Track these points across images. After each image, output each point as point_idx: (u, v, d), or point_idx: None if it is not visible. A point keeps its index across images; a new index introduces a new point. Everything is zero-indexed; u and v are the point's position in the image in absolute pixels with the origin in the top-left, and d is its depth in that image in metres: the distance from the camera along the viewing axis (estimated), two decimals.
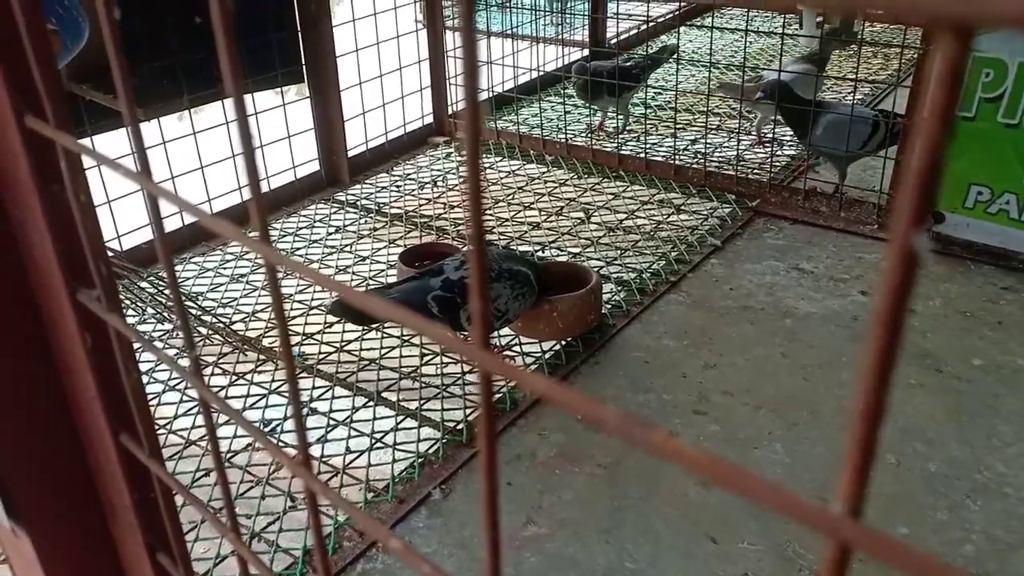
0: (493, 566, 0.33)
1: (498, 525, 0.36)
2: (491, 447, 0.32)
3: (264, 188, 3.03)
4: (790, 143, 3.51)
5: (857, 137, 2.85)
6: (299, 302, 2.52)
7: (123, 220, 2.64)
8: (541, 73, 3.99)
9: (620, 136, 3.65)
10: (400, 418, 2.03)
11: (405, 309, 0.34)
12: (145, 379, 2.18)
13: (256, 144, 0.39)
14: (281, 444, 1.97)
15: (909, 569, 0.22)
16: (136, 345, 0.62)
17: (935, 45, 0.17)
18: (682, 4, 5.07)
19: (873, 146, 2.88)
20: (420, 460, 1.90)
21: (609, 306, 2.44)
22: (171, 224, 2.81)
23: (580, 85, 3.52)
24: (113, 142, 2.65)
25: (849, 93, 3.98)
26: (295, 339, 2.34)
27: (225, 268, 2.74)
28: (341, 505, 0.43)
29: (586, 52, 4.47)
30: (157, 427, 2.01)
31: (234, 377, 2.19)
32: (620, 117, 3.68)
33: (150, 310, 2.36)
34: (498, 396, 2.08)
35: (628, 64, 3.57)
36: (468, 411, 2.05)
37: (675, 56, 3.62)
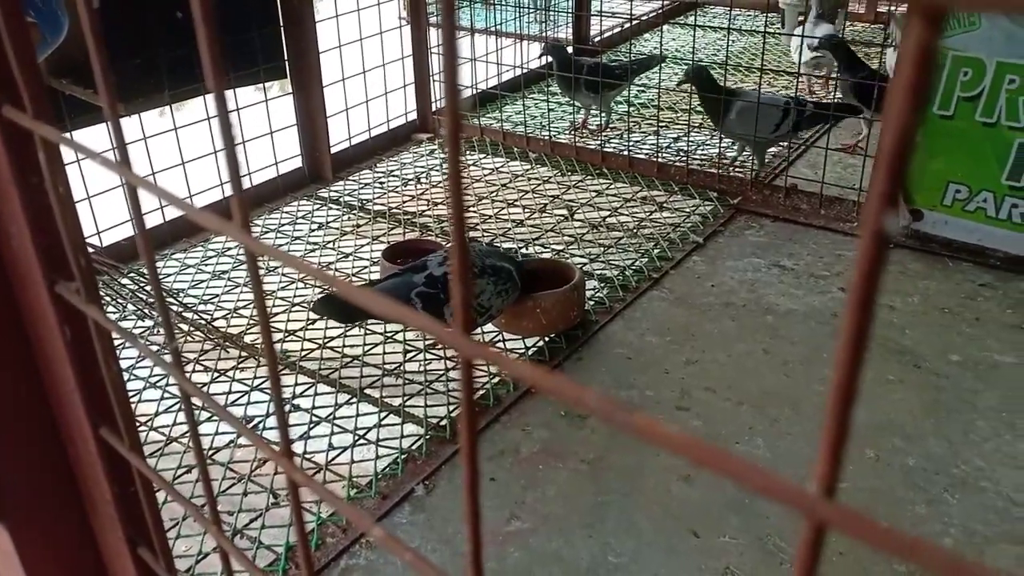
0: (475, 552, 0.33)
1: (479, 515, 0.36)
2: (471, 434, 0.32)
3: (246, 184, 3.01)
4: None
5: (768, 121, 3.00)
6: (281, 299, 2.51)
7: (103, 216, 2.62)
8: (525, 70, 4.00)
9: (603, 134, 3.66)
10: (383, 414, 2.03)
11: (388, 299, 0.34)
12: (125, 376, 2.16)
13: (238, 138, 0.39)
14: (264, 440, 1.95)
15: (883, 547, 0.22)
16: (117, 339, 0.62)
17: (907, 29, 0.17)
18: (665, 2, 5.08)
19: (785, 130, 3.05)
20: (403, 456, 1.89)
21: (592, 303, 2.45)
22: (152, 220, 2.79)
23: (560, 78, 3.53)
24: (93, 137, 2.63)
25: (830, 92, 4.01)
26: (277, 336, 2.33)
27: (206, 264, 2.72)
28: (324, 495, 0.43)
29: (570, 49, 4.47)
30: (138, 424, 1.99)
31: (215, 374, 2.18)
32: (602, 115, 3.69)
33: (131, 306, 2.34)
34: (481, 392, 2.08)
35: (612, 64, 3.57)
36: (451, 407, 2.05)
37: (662, 64, 3.64)
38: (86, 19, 0.41)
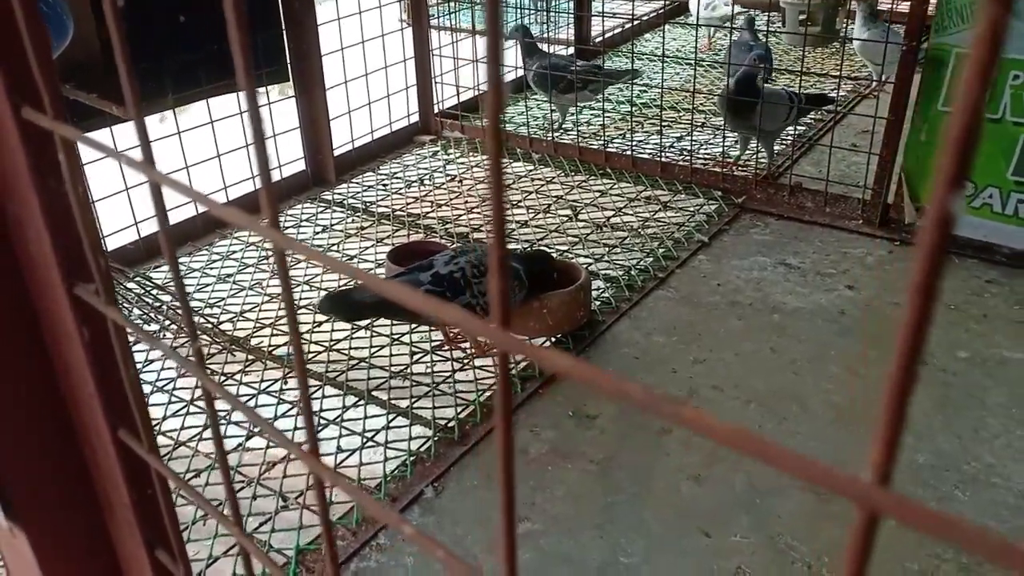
0: (509, 546, 0.33)
1: (514, 510, 0.36)
2: (507, 426, 0.32)
3: (249, 188, 3.01)
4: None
5: (783, 113, 3.09)
6: None
7: (108, 221, 2.62)
8: (527, 71, 3.99)
9: (553, 131, 3.64)
10: (391, 416, 2.03)
11: (421, 293, 0.34)
12: None
13: (253, 139, 0.39)
14: (272, 443, 1.96)
15: (938, 533, 0.22)
16: (132, 341, 0.62)
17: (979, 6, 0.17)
18: (666, 3, 5.08)
19: (792, 120, 3.16)
20: (412, 458, 1.89)
21: (598, 303, 2.45)
22: (154, 226, 2.78)
23: (537, 74, 3.56)
24: (109, 144, 2.62)
25: (832, 90, 4.01)
26: (283, 339, 2.33)
27: (211, 268, 2.72)
28: (349, 491, 0.43)
29: (571, 50, 4.47)
30: None
31: (223, 377, 2.18)
32: (555, 112, 3.71)
33: (136, 311, 2.34)
34: (488, 394, 2.08)
35: (577, 68, 3.53)
36: (459, 409, 2.05)
37: (633, 80, 3.65)
38: (111, 17, 0.40)
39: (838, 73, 3.52)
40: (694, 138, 3.48)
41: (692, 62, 4.20)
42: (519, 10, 4.31)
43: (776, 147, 3.48)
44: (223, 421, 2.00)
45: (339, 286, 2.56)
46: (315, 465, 0.44)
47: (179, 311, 2.37)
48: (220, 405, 2.03)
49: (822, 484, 0.23)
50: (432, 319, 2.11)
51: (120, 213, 2.63)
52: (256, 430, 1.99)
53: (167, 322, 2.32)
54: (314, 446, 0.45)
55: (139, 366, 2.22)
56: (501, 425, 0.32)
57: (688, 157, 3.33)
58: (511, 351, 0.31)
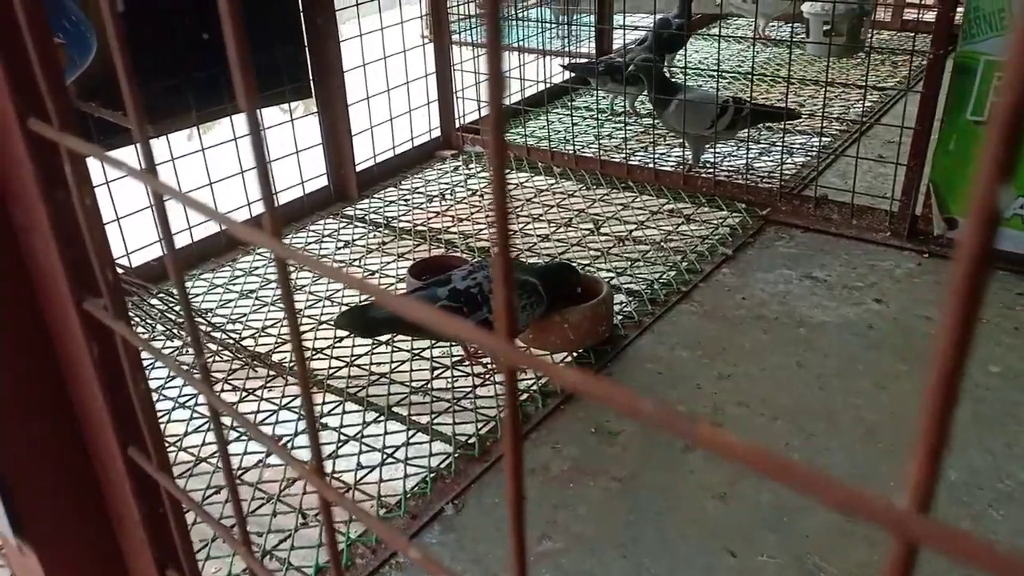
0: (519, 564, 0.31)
1: (523, 529, 0.34)
2: (516, 443, 0.30)
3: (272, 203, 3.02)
4: (799, 150, 3.50)
5: (706, 117, 3.15)
6: (308, 317, 2.50)
7: (131, 236, 2.64)
8: (548, 85, 4.00)
9: (634, 117, 3.88)
10: (411, 433, 2.01)
11: (426, 306, 0.32)
12: (155, 396, 2.16)
13: (268, 158, 0.37)
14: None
15: (981, 565, 0.20)
16: (146, 359, 0.61)
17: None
18: (690, 16, 5.05)
19: (722, 127, 3.17)
20: (432, 475, 1.87)
21: (621, 317, 2.42)
22: (180, 240, 2.81)
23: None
24: (122, 159, 2.65)
25: (857, 101, 3.97)
26: (304, 354, 2.32)
27: (234, 284, 2.73)
28: (357, 514, 0.41)
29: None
30: (167, 444, 1.99)
31: (244, 393, 2.18)
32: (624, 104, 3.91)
33: (160, 327, 2.35)
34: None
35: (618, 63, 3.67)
36: (479, 425, 2.03)
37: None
38: (110, 23, 0.39)
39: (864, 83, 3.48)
40: (717, 150, 3.45)
41: (715, 74, 4.17)
42: (540, 24, 4.31)
43: (801, 158, 3.44)
44: (244, 438, 1.99)
45: (360, 302, 2.56)
46: (319, 484, 0.42)
47: (201, 326, 2.38)
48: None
49: (852, 510, 0.21)
50: (446, 335, 2.10)
51: (145, 229, 2.65)
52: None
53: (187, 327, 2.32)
54: (319, 466, 0.44)
55: (162, 380, 2.23)
56: (510, 444, 0.30)
57: (711, 169, 3.30)
58: (517, 365, 0.29)
